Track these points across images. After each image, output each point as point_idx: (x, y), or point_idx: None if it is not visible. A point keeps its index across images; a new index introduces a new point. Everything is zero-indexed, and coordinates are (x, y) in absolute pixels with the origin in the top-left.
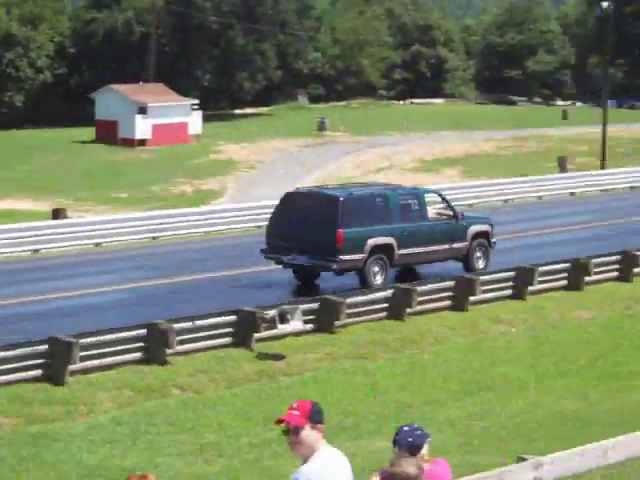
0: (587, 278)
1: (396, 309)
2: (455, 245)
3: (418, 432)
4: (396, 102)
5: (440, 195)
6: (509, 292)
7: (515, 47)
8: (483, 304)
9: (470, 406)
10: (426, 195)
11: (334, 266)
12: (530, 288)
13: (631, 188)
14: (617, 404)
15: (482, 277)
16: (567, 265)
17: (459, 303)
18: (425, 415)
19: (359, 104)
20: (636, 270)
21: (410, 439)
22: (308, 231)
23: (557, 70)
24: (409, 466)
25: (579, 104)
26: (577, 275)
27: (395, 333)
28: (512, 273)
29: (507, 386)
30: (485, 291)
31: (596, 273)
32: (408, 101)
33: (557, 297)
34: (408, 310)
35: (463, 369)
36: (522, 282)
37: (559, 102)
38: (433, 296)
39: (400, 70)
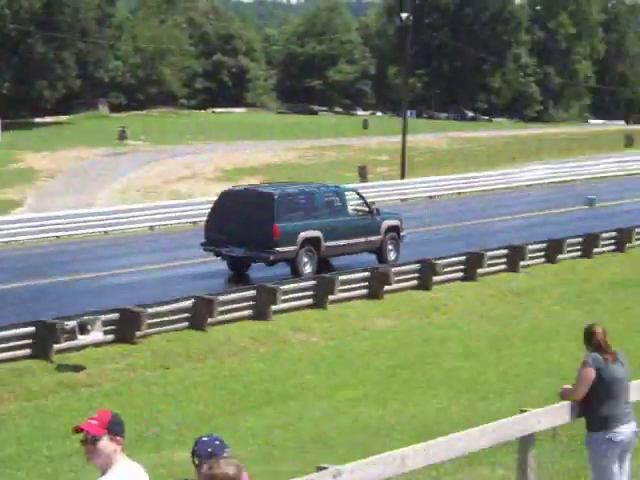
0: (387, 287)
1: (197, 319)
2: (371, 238)
3: (217, 442)
4: (197, 111)
5: (357, 193)
6: (310, 301)
7: (316, 57)
8: (284, 313)
9: (271, 416)
10: (346, 193)
11: (271, 257)
12: (331, 297)
13: (430, 197)
14: (417, 412)
15: (283, 286)
16: (367, 274)
17: (260, 312)
18: (226, 425)
19: (160, 113)
20: (435, 278)
21: (210, 449)
22: (245, 226)
23: (358, 80)
24: (228, 466)
25: (379, 114)
26: (377, 283)
27: (196, 343)
28: (313, 282)
29: (308, 395)
30: (286, 300)
31: (396, 282)
32: (209, 110)
33: (358, 306)
34: (210, 320)
35: (264, 379)
36: (323, 291)
37: (360, 112)
38: (235, 305)
39: (201, 79)
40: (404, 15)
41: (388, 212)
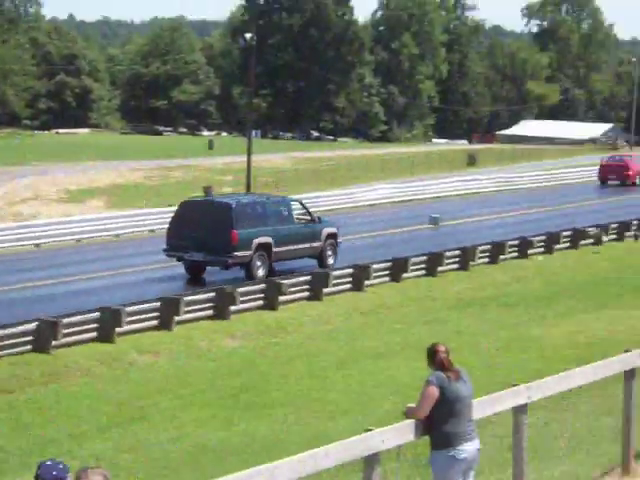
0: (234, 307)
1: (41, 341)
2: (314, 244)
3: (60, 466)
4: (41, 132)
5: (301, 203)
6: (156, 322)
7: (160, 77)
8: (130, 335)
9: (118, 439)
10: (292, 203)
11: (229, 261)
12: (177, 318)
13: None
14: (262, 432)
15: (128, 308)
16: (213, 294)
17: (106, 334)
18: (70, 449)
19: (4, 134)
20: (281, 298)
21: (55, 472)
22: (205, 232)
23: (202, 100)
24: (95, 475)
25: (224, 134)
26: (223, 304)
27: (40, 366)
28: (158, 303)
29: (154, 417)
30: (132, 322)
31: (242, 302)
32: (53, 131)
33: (204, 326)
34: (54, 342)
35: (110, 401)
36: (168, 312)
37: (205, 132)
38: (79, 328)
39: (45, 100)
40: (248, 35)
41: (327, 221)
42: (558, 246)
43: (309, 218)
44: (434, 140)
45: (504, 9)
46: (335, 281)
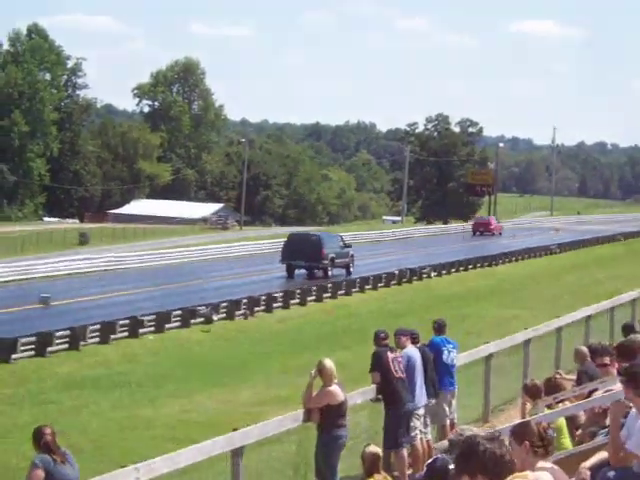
0: None
1: None
2: (346, 259)
3: None
4: None
5: (340, 236)
6: None
7: None
8: None
9: None
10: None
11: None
12: None
13: None
14: None
15: None
16: None
17: None
18: None
19: None
20: None
21: None
22: (305, 250)
23: None
24: None
25: None
26: None
27: None
28: None
29: None
30: None
31: None
32: None
33: None
34: None
35: None
36: None
37: None
38: None
39: None
40: None
41: (350, 246)
42: (169, 325)
43: (344, 244)
44: (45, 219)
45: (116, 88)
46: None
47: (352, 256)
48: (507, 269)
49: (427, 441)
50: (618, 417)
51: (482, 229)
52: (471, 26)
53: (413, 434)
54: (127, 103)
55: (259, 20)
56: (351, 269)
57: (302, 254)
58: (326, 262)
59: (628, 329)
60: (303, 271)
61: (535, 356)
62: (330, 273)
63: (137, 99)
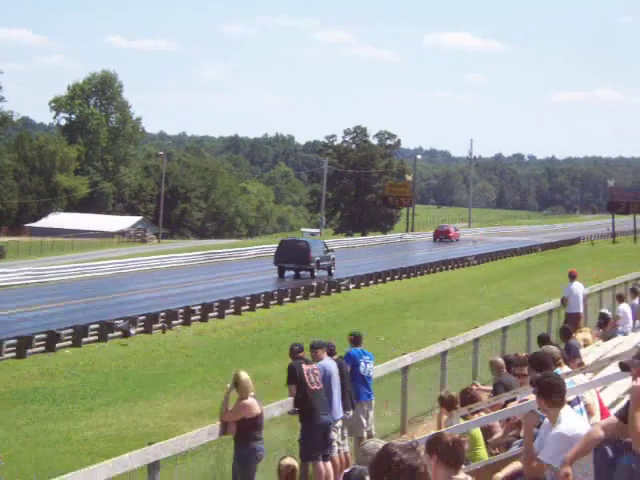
0: None
1: None
2: (327, 262)
3: None
4: None
5: (324, 242)
6: None
7: None
8: None
9: None
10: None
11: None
12: None
13: None
14: None
15: None
16: None
17: None
18: None
19: None
20: None
21: None
22: (295, 253)
23: None
24: None
25: None
26: None
27: None
28: None
29: None
30: None
31: None
32: None
33: None
34: None
35: None
36: None
37: None
38: None
39: None
40: None
41: (332, 250)
42: (86, 339)
43: (327, 249)
44: None
45: (34, 102)
46: None
47: (333, 259)
48: (426, 280)
49: (345, 453)
50: (531, 427)
51: (442, 236)
52: (390, 39)
53: (331, 446)
54: (44, 116)
55: (177, 33)
56: (332, 271)
57: (292, 258)
58: (313, 264)
59: (543, 340)
60: (291, 273)
61: (453, 367)
62: (316, 274)
63: (54, 112)
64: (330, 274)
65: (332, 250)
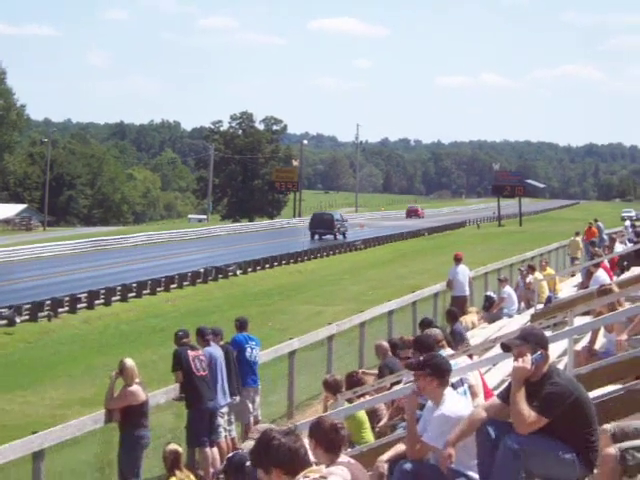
0: None
1: None
2: (343, 228)
3: None
4: None
5: (340, 214)
6: None
7: None
8: None
9: None
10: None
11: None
12: None
13: None
14: None
15: None
16: None
17: None
18: None
19: None
20: None
21: None
22: (324, 222)
23: None
24: None
25: None
26: None
27: None
28: None
29: None
30: None
31: None
32: None
33: None
34: None
35: None
36: None
37: None
38: None
39: None
40: None
41: (347, 219)
42: None
43: (343, 219)
44: None
45: None
46: None
47: (347, 226)
48: (313, 265)
49: (232, 439)
50: (413, 409)
51: (412, 214)
52: (275, 24)
53: (217, 432)
54: None
55: (62, 19)
56: (346, 235)
57: (321, 225)
58: (335, 230)
59: (425, 324)
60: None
61: (339, 351)
62: (339, 237)
63: None
64: (344, 237)
65: (346, 220)
